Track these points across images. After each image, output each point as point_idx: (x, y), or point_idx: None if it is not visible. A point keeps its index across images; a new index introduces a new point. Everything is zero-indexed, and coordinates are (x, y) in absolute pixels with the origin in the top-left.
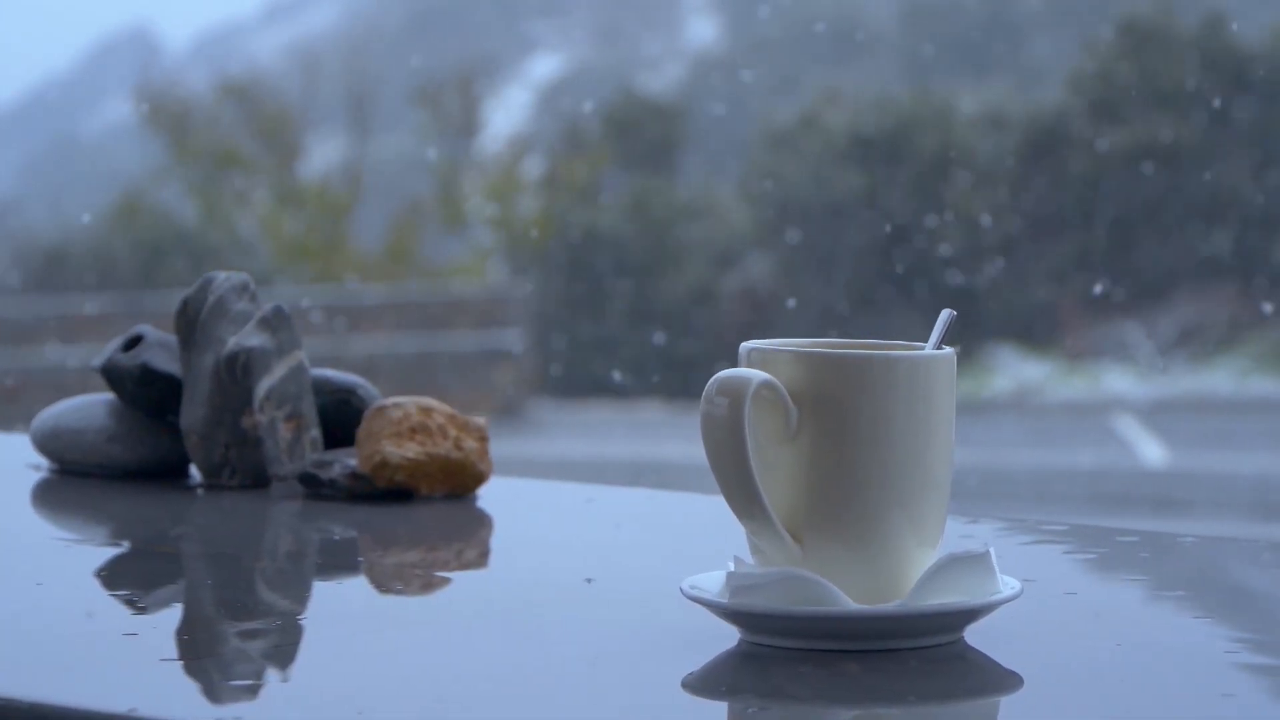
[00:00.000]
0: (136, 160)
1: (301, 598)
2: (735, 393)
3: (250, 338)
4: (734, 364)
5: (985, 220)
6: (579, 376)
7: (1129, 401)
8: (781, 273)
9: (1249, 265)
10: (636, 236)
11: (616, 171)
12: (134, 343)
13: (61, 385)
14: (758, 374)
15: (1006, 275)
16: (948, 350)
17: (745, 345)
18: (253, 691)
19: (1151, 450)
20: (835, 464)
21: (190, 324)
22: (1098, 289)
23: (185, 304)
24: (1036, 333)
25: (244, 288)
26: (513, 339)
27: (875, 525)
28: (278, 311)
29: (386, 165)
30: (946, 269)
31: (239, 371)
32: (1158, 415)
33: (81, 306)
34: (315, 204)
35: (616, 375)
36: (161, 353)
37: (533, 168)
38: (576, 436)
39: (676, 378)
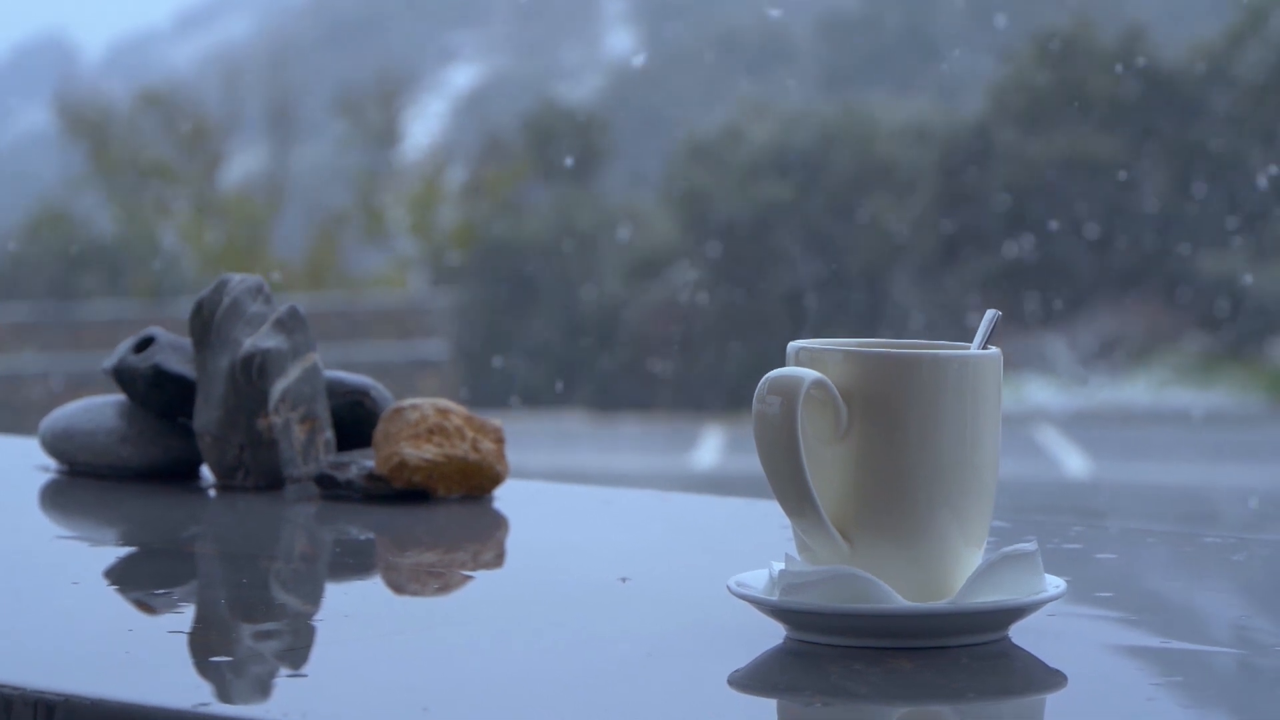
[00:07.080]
0: (54, 170)
1: (343, 597)
2: (787, 392)
3: (266, 339)
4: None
5: (906, 232)
6: (500, 387)
7: (1050, 413)
8: (703, 283)
9: (1169, 278)
10: (557, 247)
11: (537, 181)
12: (145, 344)
13: None
14: (809, 373)
15: (928, 287)
16: (994, 350)
17: (794, 344)
18: (312, 688)
19: (1074, 461)
20: (885, 463)
21: (205, 325)
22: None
23: (200, 305)
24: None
25: (259, 290)
26: (434, 349)
27: (924, 523)
28: (293, 313)
29: (307, 175)
30: (868, 281)
31: (254, 373)
32: (1078, 426)
33: None
34: (236, 214)
35: (538, 385)
36: (173, 354)
37: (454, 178)
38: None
39: (598, 388)
